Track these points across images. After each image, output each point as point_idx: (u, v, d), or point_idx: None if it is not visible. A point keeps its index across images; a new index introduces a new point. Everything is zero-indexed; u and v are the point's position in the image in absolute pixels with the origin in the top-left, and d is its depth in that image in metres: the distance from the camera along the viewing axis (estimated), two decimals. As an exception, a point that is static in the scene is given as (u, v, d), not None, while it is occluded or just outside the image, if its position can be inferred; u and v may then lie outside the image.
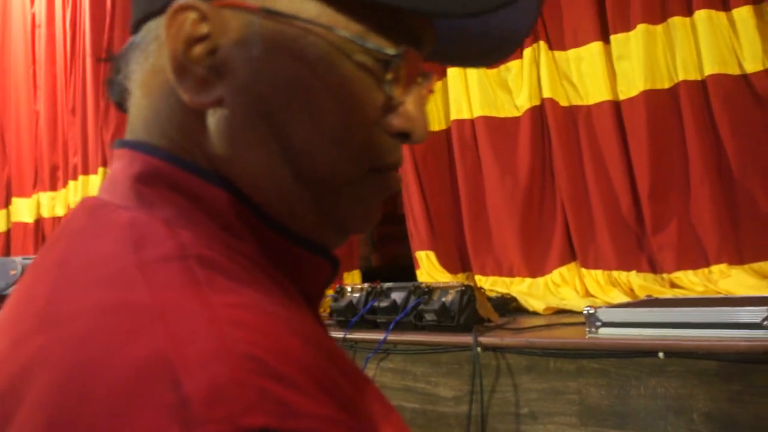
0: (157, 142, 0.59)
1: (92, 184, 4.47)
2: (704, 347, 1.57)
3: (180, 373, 0.42)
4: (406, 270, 3.01)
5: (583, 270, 2.54)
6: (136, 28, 0.62)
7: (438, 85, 2.99)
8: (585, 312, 1.77)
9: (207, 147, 0.58)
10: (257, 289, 0.52)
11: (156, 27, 0.59)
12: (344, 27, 0.56)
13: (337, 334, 2.25)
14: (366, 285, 2.36)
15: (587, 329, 1.77)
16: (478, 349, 1.90)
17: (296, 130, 0.57)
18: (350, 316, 2.30)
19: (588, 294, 2.48)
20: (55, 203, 4.94)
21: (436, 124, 2.99)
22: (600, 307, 1.78)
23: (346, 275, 3.23)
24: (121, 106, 0.63)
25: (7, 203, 5.00)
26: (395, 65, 0.58)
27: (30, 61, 4.98)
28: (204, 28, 0.56)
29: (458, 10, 0.56)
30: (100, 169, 4.37)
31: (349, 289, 2.39)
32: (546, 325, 2.07)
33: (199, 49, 0.56)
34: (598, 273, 2.49)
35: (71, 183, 4.66)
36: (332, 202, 0.60)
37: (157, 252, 0.51)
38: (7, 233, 4.98)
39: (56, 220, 4.92)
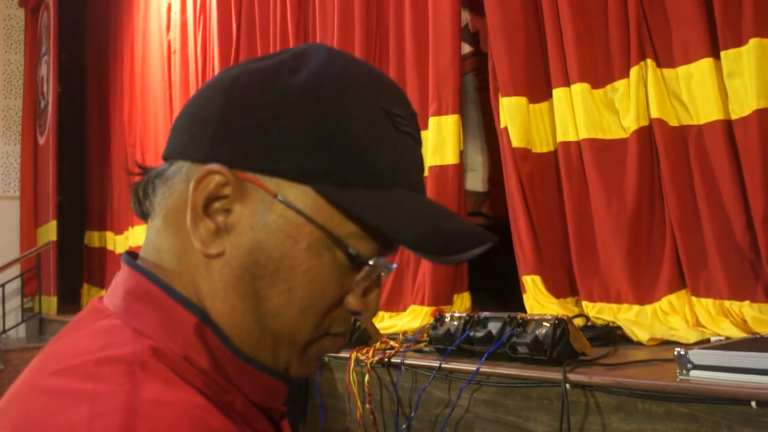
0: (158, 262, 0.73)
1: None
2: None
3: None
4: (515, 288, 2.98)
5: (694, 298, 2.42)
6: (169, 157, 0.73)
7: (545, 106, 2.94)
8: (675, 353, 1.70)
9: (198, 281, 0.71)
10: (189, 392, 0.64)
11: (186, 171, 0.71)
12: (336, 227, 0.69)
13: (433, 363, 2.27)
14: (464, 314, 2.36)
15: (678, 371, 1.69)
16: (567, 386, 1.86)
17: (274, 295, 0.69)
18: (448, 344, 2.31)
19: (698, 324, 2.36)
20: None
21: (544, 146, 2.94)
22: (692, 348, 1.70)
23: (455, 297, 3.22)
24: (141, 216, 0.77)
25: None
26: (366, 270, 0.72)
27: (167, 84, 5.28)
28: (226, 191, 0.69)
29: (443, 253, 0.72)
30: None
31: (448, 317, 2.40)
32: (643, 361, 2.00)
33: (216, 206, 0.69)
34: (709, 302, 2.37)
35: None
36: (286, 355, 0.73)
37: (114, 353, 0.64)
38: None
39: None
